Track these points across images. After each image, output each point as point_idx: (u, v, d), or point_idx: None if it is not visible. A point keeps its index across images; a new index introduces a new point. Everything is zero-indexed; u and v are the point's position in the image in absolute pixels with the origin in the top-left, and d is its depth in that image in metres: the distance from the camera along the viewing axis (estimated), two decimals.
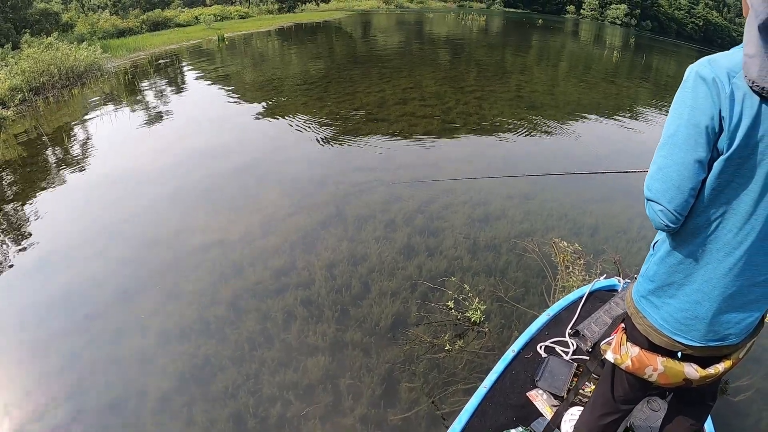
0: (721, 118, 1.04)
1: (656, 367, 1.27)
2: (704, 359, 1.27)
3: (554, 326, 2.44)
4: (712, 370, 1.26)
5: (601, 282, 2.73)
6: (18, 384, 2.56)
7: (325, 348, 2.71)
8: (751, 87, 1.02)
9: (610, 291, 2.68)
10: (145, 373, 2.59)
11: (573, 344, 2.31)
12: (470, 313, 2.88)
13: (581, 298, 2.59)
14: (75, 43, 10.74)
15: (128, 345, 2.77)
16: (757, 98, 1.02)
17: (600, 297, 2.61)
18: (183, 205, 4.44)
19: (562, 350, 2.29)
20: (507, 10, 45.42)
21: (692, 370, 1.26)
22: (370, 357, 2.66)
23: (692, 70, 1.09)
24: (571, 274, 3.30)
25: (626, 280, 2.73)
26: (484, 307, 2.93)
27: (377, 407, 2.37)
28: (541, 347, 2.31)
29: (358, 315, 2.95)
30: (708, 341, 1.22)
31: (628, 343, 1.33)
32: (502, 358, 2.24)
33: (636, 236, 4.13)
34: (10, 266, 3.54)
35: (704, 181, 1.10)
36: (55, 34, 11.71)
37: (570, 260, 3.45)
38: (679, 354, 1.30)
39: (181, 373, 2.57)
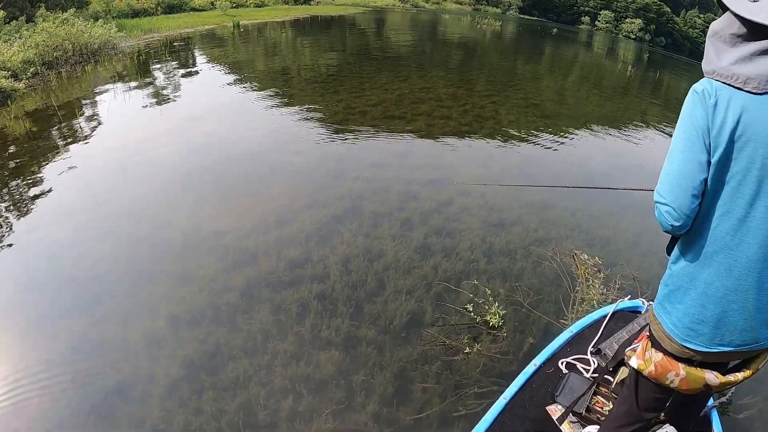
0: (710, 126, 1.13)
1: (678, 373, 1.30)
2: (722, 366, 1.31)
3: (577, 343, 2.43)
4: (731, 377, 1.30)
5: (626, 302, 2.72)
6: (19, 361, 2.47)
7: (339, 343, 2.67)
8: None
9: (634, 312, 2.66)
10: (153, 358, 2.52)
11: (594, 362, 2.29)
12: (489, 317, 2.84)
13: (605, 317, 2.58)
14: (91, 20, 10.65)
15: (136, 328, 2.71)
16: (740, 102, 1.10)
17: (623, 317, 2.60)
18: (195, 189, 4.37)
19: (583, 367, 2.27)
20: (522, 17, 45.40)
21: (713, 377, 1.28)
22: (384, 355, 2.62)
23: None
24: (591, 287, 3.25)
25: (650, 302, 2.71)
26: (504, 312, 2.89)
27: (390, 406, 2.33)
28: (562, 363, 2.29)
29: (372, 312, 2.91)
30: (715, 346, 1.24)
31: (653, 349, 1.36)
32: (524, 371, 2.22)
33: (648, 251, 4.09)
34: (15, 244, 3.43)
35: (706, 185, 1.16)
36: (72, 9, 11.61)
37: (590, 273, 3.41)
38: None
39: (190, 359, 2.51)
